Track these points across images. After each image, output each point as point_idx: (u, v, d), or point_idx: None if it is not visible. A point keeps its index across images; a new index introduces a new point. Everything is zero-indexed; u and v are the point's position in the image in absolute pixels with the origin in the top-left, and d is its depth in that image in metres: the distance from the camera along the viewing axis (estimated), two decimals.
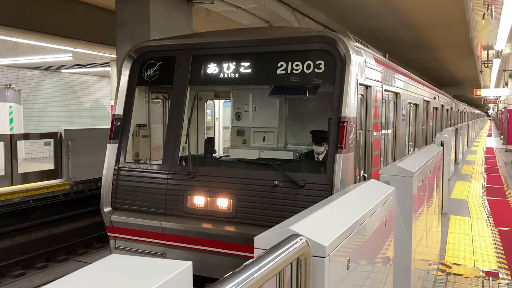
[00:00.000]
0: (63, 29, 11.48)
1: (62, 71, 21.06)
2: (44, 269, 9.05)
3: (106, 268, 1.54)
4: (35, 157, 18.62)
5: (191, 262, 1.56)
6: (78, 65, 18.88)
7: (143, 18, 8.53)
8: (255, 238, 1.89)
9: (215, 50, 5.62)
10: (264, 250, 1.55)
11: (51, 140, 12.07)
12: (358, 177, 5.34)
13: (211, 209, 5.22)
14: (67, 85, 21.98)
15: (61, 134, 11.68)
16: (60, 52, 14.46)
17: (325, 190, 4.60)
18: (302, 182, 4.80)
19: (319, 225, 2.09)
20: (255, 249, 1.83)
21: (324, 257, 1.81)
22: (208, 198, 5.26)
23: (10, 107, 16.63)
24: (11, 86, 17.07)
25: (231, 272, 1.39)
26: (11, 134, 11.87)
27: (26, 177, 11.34)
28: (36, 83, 20.35)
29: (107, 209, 5.76)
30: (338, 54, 4.96)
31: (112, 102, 7.45)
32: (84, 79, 22.98)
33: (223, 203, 5.17)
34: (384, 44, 15.73)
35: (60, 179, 11.70)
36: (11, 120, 16.67)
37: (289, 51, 5.22)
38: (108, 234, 5.82)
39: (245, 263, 1.46)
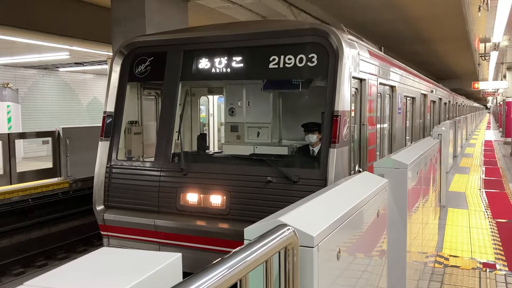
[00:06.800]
0: (59, 27, 11.46)
1: (60, 69, 21.02)
2: (44, 267, 9.08)
3: (96, 260, 1.56)
4: (34, 156, 18.62)
5: (180, 254, 1.58)
6: (75, 63, 18.84)
7: (138, 15, 8.52)
8: (245, 229, 1.92)
9: (207, 44, 5.55)
10: (249, 240, 1.57)
11: (49, 139, 12.07)
12: (352, 171, 5.30)
13: (205, 206, 5.18)
14: (64, 83, 21.95)
15: (59, 133, 11.69)
16: (57, 50, 14.43)
17: (318, 186, 4.49)
18: (295, 178, 4.78)
19: (309, 216, 2.11)
20: (244, 240, 1.86)
21: (312, 247, 1.83)
22: (201, 195, 5.21)
23: (8, 106, 16.60)
24: (9, 85, 17.03)
25: (213, 262, 1.41)
26: (9, 133, 11.87)
27: (25, 176, 11.35)
28: (34, 82, 20.33)
29: (99, 207, 5.73)
30: (331, 47, 4.90)
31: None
32: (81, 77, 22.95)
33: (216, 199, 5.13)
34: (381, 38, 15.72)
35: (59, 178, 11.71)
36: (9, 120, 16.65)
37: (281, 44, 5.16)
38: (101, 232, 5.79)
39: (230, 253, 1.48)
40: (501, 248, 6.74)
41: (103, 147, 5.82)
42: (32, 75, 20.26)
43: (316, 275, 1.88)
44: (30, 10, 10.70)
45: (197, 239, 5.13)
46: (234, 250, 1.51)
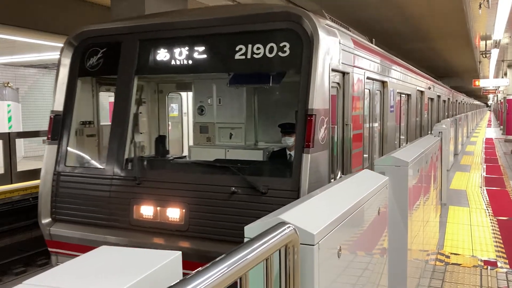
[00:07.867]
0: (59, 26, 11.46)
1: None
2: (45, 266, 9.08)
3: (96, 259, 1.56)
4: (35, 155, 18.63)
5: (180, 252, 1.58)
6: None
7: (138, 14, 8.51)
8: (245, 227, 1.90)
9: (165, 33, 4.88)
10: (249, 238, 1.57)
11: None
12: (333, 179, 4.70)
13: (161, 221, 4.56)
14: None
15: None
16: (57, 49, 14.40)
17: (290, 198, 3.89)
18: (263, 188, 4.14)
19: (309, 214, 2.11)
20: (245, 238, 1.85)
21: (313, 245, 1.83)
22: (157, 208, 4.58)
23: (8, 105, 16.60)
24: (9, 85, 17.03)
25: (215, 259, 1.41)
26: (9, 133, 11.86)
27: (26, 175, 11.34)
28: (34, 81, 20.34)
29: (45, 220, 5.15)
30: (305, 34, 4.22)
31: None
32: None
33: (174, 213, 4.51)
34: (381, 35, 15.70)
35: None
36: (9, 119, 16.66)
37: (248, 31, 4.48)
38: (49, 249, 5.21)
39: (229, 250, 1.47)
40: (502, 245, 6.74)
41: (49, 151, 5.18)
42: (32, 74, 20.26)
43: (317, 273, 1.88)
44: (31, 10, 10.70)
45: None
46: (234, 248, 1.50)
